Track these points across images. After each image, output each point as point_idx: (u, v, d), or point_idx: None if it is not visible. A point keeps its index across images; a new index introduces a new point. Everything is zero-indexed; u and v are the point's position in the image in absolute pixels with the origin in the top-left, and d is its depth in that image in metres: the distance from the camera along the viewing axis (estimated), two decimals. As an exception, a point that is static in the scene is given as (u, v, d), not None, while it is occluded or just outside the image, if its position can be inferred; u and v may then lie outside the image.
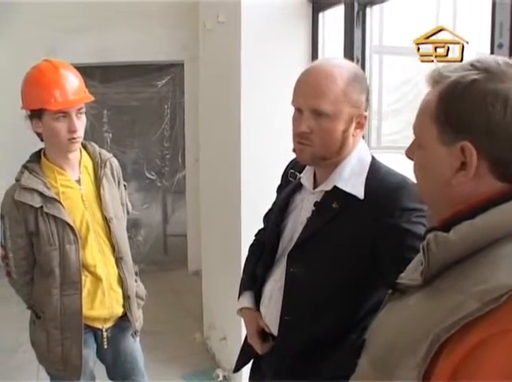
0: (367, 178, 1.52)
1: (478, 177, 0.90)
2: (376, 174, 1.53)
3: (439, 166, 0.93)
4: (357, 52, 2.68)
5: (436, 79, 0.96)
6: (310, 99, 1.48)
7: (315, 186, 1.62)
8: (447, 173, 0.92)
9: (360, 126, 1.53)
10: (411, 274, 1.04)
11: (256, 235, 1.98)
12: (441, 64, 1.00)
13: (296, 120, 1.52)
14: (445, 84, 0.92)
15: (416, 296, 0.96)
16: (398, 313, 1.00)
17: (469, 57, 1.87)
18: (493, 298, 0.77)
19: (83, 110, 2.10)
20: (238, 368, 1.86)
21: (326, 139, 1.49)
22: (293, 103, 1.54)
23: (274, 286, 1.65)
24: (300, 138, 1.51)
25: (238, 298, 1.81)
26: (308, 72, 1.54)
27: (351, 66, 1.55)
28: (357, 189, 1.50)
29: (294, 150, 1.57)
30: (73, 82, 2.08)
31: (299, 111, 1.51)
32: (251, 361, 1.83)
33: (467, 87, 0.89)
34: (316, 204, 1.58)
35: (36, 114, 2.06)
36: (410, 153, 1.03)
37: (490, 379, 0.76)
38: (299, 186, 1.68)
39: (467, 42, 1.85)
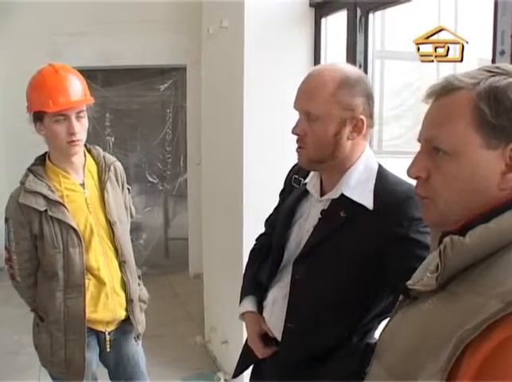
0: (375, 187, 1.52)
1: None
2: (384, 183, 1.53)
3: (483, 173, 0.92)
4: (359, 58, 2.69)
5: (448, 87, 0.96)
6: (302, 102, 1.53)
7: (321, 194, 1.61)
8: (493, 178, 0.91)
9: (357, 129, 1.52)
10: (420, 279, 1.03)
11: (257, 240, 1.98)
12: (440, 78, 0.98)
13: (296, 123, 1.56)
14: (480, 89, 0.91)
15: (431, 301, 0.96)
16: (414, 319, 1.00)
17: (471, 61, 1.89)
18: None
19: (84, 113, 2.11)
20: (237, 373, 1.86)
21: (318, 142, 1.50)
22: (293, 106, 1.58)
23: (279, 293, 1.65)
24: (297, 142, 1.55)
25: (240, 302, 1.81)
26: (305, 77, 1.57)
27: (347, 69, 1.54)
28: (365, 198, 1.50)
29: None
30: (72, 85, 2.08)
31: (299, 114, 1.55)
32: (251, 366, 1.83)
33: (508, 89, 0.90)
34: (322, 212, 1.58)
35: (38, 117, 2.08)
36: (421, 169, 0.99)
37: None
38: (304, 193, 1.68)
39: (467, 42, 1.86)
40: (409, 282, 1.07)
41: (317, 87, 1.49)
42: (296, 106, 1.55)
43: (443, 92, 0.97)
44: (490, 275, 0.87)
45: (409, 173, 1.02)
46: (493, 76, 0.92)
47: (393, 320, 1.10)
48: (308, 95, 1.50)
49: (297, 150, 1.56)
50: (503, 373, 0.78)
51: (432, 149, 0.97)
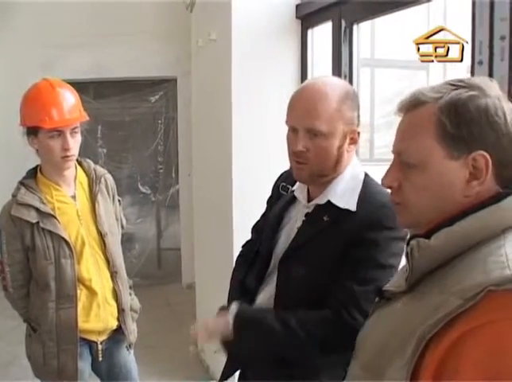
0: (360, 194, 1.56)
1: (484, 183, 0.95)
2: (367, 192, 1.57)
3: (449, 182, 0.96)
4: (345, 68, 2.74)
5: (414, 102, 1.00)
6: (305, 119, 1.51)
7: (309, 200, 1.65)
8: (459, 185, 0.96)
9: (353, 141, 1.57)
10: (396, 282, 1.10)
11: (243, 247, 2.01)
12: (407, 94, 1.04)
13: (292, 139, 1.55)
14: (442, 103, 0.96)
15: (402, 301, 1.01)
16: (385, 319, 1.05)
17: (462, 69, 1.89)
18: (472, 295, 0.83)
19: (78, 129, 2.15)
20: (224, 377, 1.89)
21: (322, 157, 1.52)
22: (288, 122, 1.57)
23: (266, 295, 1.67)
24: (296, 157, 1.54)
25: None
26: (301, 91, 1.57)
27: (343, 84, 1.59)
28: (350, 204, 1.54)
29: (291, 169, 1.62)
30: (69, 101, 2.12)
31: (294, 130, 1.54)
32: (238, 372, 1.86)
33: (469, 102, 0.94)
34: (307, 214, 1.62)
35: (32, 132, 2.11)
36: (393, 179, 1.04)
37: (470, 368, 0.81)
38: (292, 200, 1.71)
39: (467, 42, 1.89)
40: (385, 285, 1.12)
41: (321, 104, 1.49)
42: (295, 122, 1.53)
43: (410, 107, 1.02)
44: (452, 275, 0.92)
45: (383, 183, 1.08)
46: (455, 89, 0.97)
47: (369, 321, 1.15)
48: (312, 112, 1.49)
49: (296, 166, 1.56)
50: (457, 368, 0.82)
51: (402, 162, 1.02)
